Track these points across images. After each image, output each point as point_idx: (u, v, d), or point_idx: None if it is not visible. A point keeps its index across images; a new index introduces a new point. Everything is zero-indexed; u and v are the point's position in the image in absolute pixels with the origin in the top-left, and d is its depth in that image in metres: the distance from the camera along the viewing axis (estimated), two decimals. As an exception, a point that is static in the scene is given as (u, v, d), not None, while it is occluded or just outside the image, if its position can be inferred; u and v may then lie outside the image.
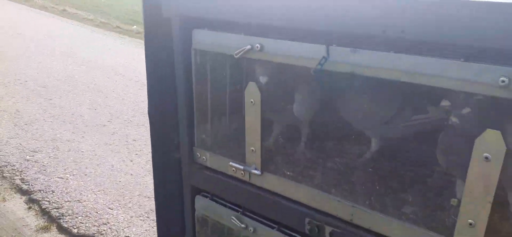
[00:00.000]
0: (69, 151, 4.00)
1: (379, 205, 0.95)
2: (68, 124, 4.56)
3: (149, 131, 4.25)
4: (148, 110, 1.26)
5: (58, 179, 3.55)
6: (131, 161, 3.93)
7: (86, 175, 3.65)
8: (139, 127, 4.57)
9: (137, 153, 4.08)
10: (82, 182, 3.53)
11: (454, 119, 0.84)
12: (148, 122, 1.28)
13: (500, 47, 0.69)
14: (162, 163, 1.32)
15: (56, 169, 3.68)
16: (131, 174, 3.71)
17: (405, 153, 0.96)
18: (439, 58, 0.76)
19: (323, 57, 0.83)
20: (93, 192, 3.42)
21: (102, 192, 3.42)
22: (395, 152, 0.98)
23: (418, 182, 0.94)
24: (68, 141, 4.19)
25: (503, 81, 0.69)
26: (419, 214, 0.92)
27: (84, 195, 3.36)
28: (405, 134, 0.95)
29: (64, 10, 11.53)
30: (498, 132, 0.72)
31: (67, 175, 3.61)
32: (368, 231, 0.94)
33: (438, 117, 0.87)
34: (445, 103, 0.85)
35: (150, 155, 4.51)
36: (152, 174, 4.28)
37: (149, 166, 3.83)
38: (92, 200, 3.31)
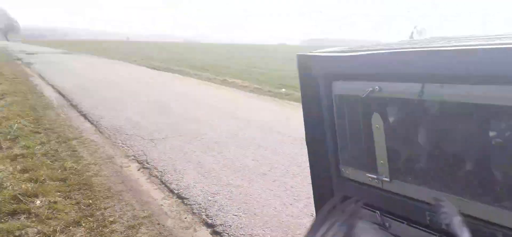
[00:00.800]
0: (240, 194, 4.71)
1: (481, 197, 1.22)
2: (237, 172, 5.36)
3: (303, 180, 4.92)
4: (306, 140, 1.71)
5: (234, 216, 4.20)
6: (291, 204, 4.43)
7: (255, 214, 4.24)
8: (295, 176, 5.11)
9: (295, 197, 4.56)
10: (252, 220, 4.11)
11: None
12: (306, 149, 1.74)
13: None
14: (318, 179, 1.71)
15: (231, 208, 4.36)
16: (292, 216, 4.19)
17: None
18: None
19: (421, 90, 1.21)
20: (262, 228, 3.96)
21: (269, 229, 3.93)
22: (483, 155, 1.26)
23: None
24: (239, 186, 4.93)
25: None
26: None
27: (255, 231, 3.92)
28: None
29: (225, 80, 13.57)
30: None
31: (240, 213, 4.25)
32: (467, 216, 1.21)
33: None
34: None
35: (306, 200, 5.00)
36: (309, 217, 4.70)
37: (307, 210, 4.32)
38: (261, 235, 3.86)
